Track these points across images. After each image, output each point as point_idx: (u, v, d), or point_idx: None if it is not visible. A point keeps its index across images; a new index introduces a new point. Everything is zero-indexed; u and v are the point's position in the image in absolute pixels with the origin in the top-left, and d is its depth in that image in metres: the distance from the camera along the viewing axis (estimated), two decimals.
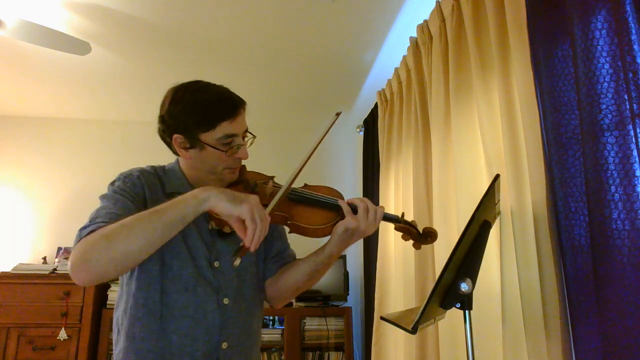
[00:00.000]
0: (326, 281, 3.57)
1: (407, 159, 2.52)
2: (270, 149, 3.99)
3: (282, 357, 3.35)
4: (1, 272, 3.26)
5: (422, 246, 1.35)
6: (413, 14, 2.48)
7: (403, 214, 1.32)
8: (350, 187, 4.13)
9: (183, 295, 1.15)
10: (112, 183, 1.18)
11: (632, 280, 1.07)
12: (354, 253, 3.85)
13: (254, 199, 1.01)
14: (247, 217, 0.98)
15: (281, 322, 3.51)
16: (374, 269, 2.91)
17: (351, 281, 3.61)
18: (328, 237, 1.22)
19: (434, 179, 2.10)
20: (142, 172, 1.21)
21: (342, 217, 1.19)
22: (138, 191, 1.16)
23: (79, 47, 2.50)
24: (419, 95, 2.41)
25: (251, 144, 1.24)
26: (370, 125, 3.55)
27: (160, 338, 1.13)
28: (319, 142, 1.20)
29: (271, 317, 3.57)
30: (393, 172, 2.81)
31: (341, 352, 3.41)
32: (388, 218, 1.28)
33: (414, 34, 2.47)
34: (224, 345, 1.17)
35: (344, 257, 3.57)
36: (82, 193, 3.75)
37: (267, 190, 1.22)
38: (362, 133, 3.75)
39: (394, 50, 2.83)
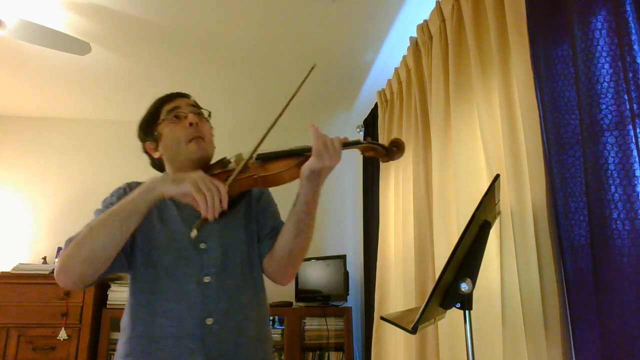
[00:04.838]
0: (326, 281, 3.57)
1: (407, 159, 2.52)
2: (269, 149, 3.96)
3: (282, 357, 3.35)
4: (1, 272, 3.25)
5: (391, 162, 1.31)
6: (413, 14, 2.48)
7: (368, 138, 1.30)
8: (350, 187, 4.13)
9: (165, 281, 1.21)
10: (104, 200, 1.30)
11: (632, 280, 1.07)
12: (354, 253, 3.85)
13: (196, 173, 1.11)
14: (191, 190, 1.07)
15: (281, 322, 3.51)
16: (374, 269, 2.91)
17: (351, 281, 3.61)
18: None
19: (434, 179, 2.10)
20: (130, 185, 1.32)
21: (306, 159, 1.20)
22: None
23: (79, 47, 2.50)
24: (419, 95, 2.41)
25: (209, 117, 1.37)
26: (370, 125, 3.55)
27: (149, 323, 1.19)
28: (291, 99, 1.26)
29: (271, 317, 3.57)
30: (393, 172, 2.81)
31: (341, 352, 3.40)
32: (350, 144, 1.23)
33: (414, 34, 2.47)
34: (209, 321, 1.19)
35: (343, 257, 3.57)
36: (82, 192, 3.75)
37: (240, 162, 1.27)
38: (362, 133, 3.75)
39: (394, 50, 2.83)
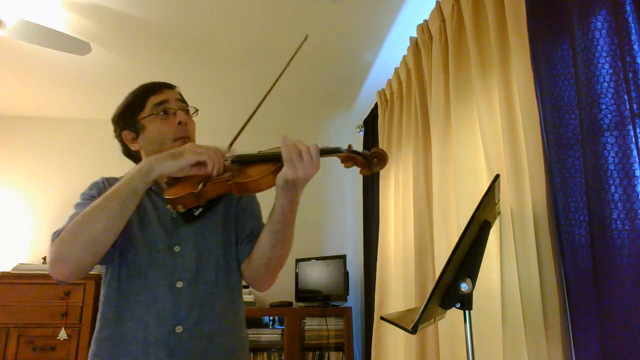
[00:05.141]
0: (326, 281, 3.57)
1: (407, 159, 2.52)
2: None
3: (282, 357, 3.35)
4: (1, 272, 3.25)
5: (374, 172, 1.20)
6: (413, 14, 2.48)
7: (350, 146, 1.20)
8: (350, 187, 4.13)
9: (136, 281, 1.18)
10: (82, 194, 1.29)
11: (632, 280, 1.07)
12: (354, 253, 3.85)
13: (189, 144, 1.15)
14: (194, 157, 1.08)
15: (281, 322, 3.50)
16: (374, 269, 2.91)
17: (351, 281, 3.61)
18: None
19: (434, 179, 2.10)
20: (108, 179, 1.31)
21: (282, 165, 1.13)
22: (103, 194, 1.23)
23: (79, 47, 2.50)
24: (419, 95, 2.41)
25: (195, 114, 1.33)
26: (370, 125, 3.56)
27: (117, 326, 1.16)
28: (281, 73, 1.25)
29: (271, 317, 3.57)
30: (393, 172, 2.81)
31: (341, 352, 3.40)
32: (328, 152, 1.15)
33: (414, 34, 2.47)
34: (178, 329, 1.15)
35: (343, 257, 3.57)
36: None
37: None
38: (362, 133, 3.75)
39: (394, 50, 2.83)
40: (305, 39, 1.27)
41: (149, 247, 1.21)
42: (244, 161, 1.18)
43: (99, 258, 1.11)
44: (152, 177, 1.09)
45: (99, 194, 1.20)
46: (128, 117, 1.29)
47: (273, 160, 1.14)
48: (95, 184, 1.29)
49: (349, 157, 1.17)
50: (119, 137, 1.33)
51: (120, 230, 1.10)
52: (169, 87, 1.33)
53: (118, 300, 1.18)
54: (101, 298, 1.22)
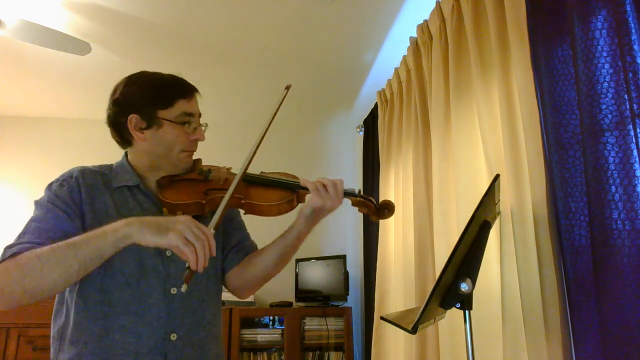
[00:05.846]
0: (326, 281, 3.57)
1: (407, 159, 2.52)
2: (269, 150, 3.97)
3: (282, 357, 3.35)
4: None
5: (382, 221, 1.34)
6: (413, 14, 2.48)
7: (360, 190, 1.31)
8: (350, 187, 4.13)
9: (126, 291, 1.10)
10: (50, 186, 1.20)
11: (632, 280, 1.07)
12: (354, 253, 3.85)
13: (183, 219, 0.98)
14: (179, 243, 0.93)
15: (281, 322, 3.50)
16: (374, 269, 2.91)
17: (351, 281, 3.60)
18: (283, 217, 1.24)
19: (434, 179, 2.10)
20: (83, 172, 1.21)
21: (297, 195, 1.22)
22: (74, 196, 1.16)
23: (79, 47, 2.50)
24: (419, 95, 2.41)
25: (204, 131, 1.26)
26: (370, 125, 3.56)
27: (103, 339, 1.08)
28: (271, 121, 1.22)
29: (271, 317, 3.57)
30: (393, 172, 2.81)
31: (341, 352, 3.40)
32: (346, 193, 1.25)
33: (414, 34, 2.47)
34: (173, 336, 1.12)
35: (343, 257, 3.56)
36: None
37: (222, 176, 1.22)
38: (362, 133, 3.75)
39: (394, 50, 2.83)
40: (288, 88, 1.27)
41: (137, 252, 1.12)
42: (254, 182, 1.21)
43: (42, 300, 1.02)
44: (125, 244, 0.97)
45: (69, 192, 1.16)
46: (148, 106, 1.17)
47: (290, 188, 1.21)
48: (68, 179, 1.19)
49: (362, 203, 1.28)
50: (120, 115, 1.19)
51: (72, 284, 1.02)
52: (196, 91, 1.25)
53: (104, 312, 1.09)
54: (77, 308, 1.12)
